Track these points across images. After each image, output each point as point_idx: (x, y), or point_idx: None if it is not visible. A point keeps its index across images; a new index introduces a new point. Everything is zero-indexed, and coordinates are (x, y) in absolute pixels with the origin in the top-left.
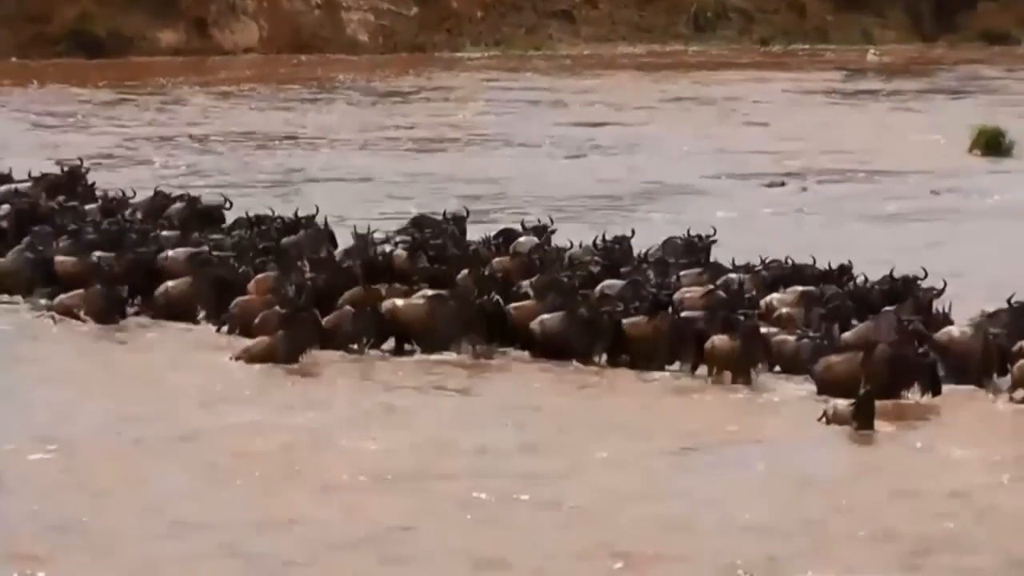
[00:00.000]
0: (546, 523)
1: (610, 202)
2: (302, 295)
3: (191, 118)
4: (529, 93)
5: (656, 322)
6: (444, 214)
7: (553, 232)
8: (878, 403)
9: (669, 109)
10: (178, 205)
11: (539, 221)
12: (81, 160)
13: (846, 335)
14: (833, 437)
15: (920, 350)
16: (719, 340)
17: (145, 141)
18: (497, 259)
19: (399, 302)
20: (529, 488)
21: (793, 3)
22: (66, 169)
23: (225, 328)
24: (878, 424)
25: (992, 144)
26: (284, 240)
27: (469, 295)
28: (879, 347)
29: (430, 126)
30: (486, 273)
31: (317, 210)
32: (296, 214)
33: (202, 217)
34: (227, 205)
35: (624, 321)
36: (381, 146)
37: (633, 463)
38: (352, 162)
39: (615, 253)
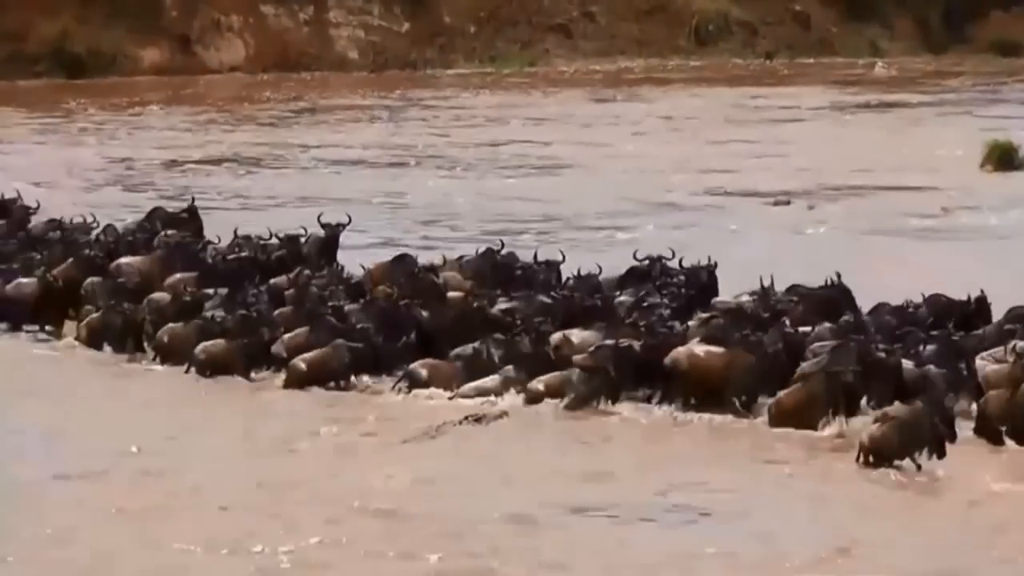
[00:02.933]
0: None
1: (609, 220)
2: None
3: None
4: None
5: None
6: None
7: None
8: None
9: (656, 126)
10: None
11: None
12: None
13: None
14: None
15: None
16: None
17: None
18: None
19: (699, 350)
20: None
21: (797, 15)
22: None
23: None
24: None
25: (1005, 159)
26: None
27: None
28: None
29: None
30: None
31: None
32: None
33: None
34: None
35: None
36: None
37: None
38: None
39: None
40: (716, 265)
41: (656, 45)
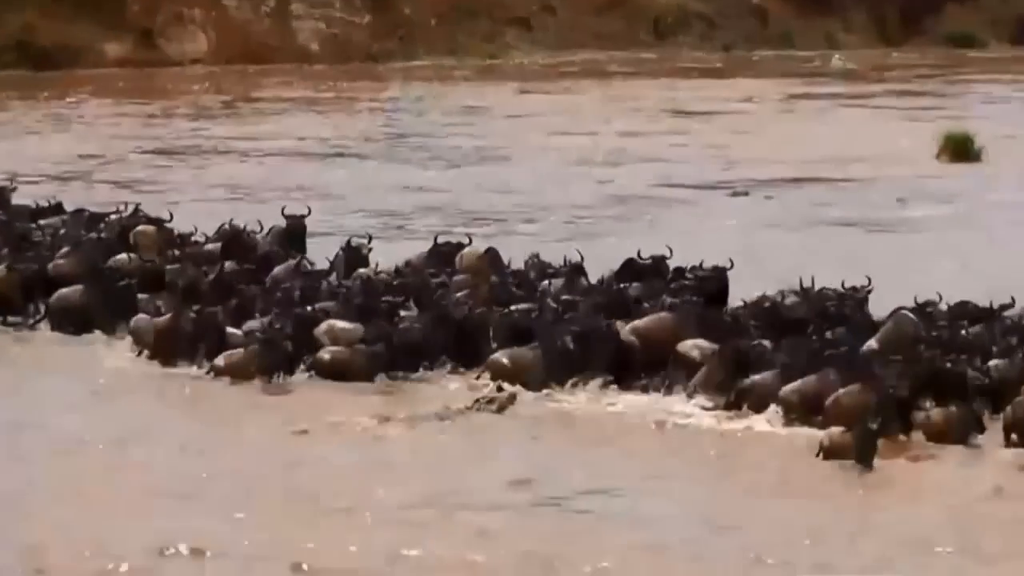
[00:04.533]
0: None
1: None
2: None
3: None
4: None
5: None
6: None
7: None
8: None
9: (596, 115)
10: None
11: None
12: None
13: None
14: None
15: None
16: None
17: None
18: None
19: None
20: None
21: (755, 8)
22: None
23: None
24: None
25: (960, 150)
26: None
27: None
28: None
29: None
30: None
31: None
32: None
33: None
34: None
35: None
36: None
37: None
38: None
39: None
40: (732, 266)
41: (615, 39)
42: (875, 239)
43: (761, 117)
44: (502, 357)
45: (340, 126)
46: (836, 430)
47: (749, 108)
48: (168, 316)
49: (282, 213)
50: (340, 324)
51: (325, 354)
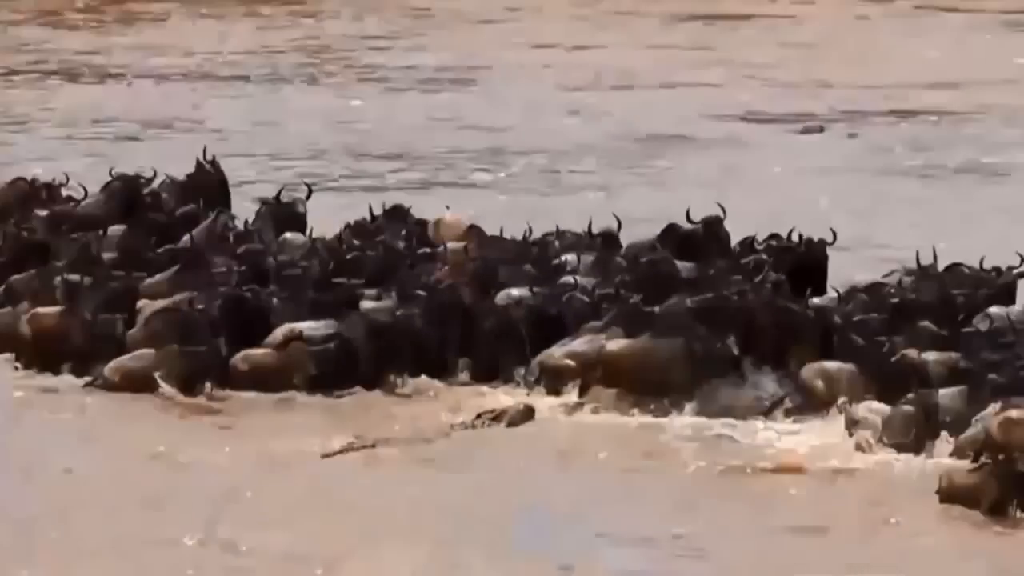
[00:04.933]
0: None
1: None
2: None
3: None
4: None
5: None
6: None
7: None
8: None
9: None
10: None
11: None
12: None
13: None
14: None
15: None
16: None
17: None
18: None
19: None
20: None
21: None
22: None
23: None
24: None
25: None
26: None
27: None
28: None
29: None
30: None
31: None
32: None
33: None
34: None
35: None
36: None
37: None
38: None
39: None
40: (834, 239)
41: None
42: (996, 190)
43: (827, 26)
44: (618, 347)
45: (244, 37)
46: (961, 466)
47: (811, 13)
48: (55, 310)
49: (204, 161)
50: (306, 325)
51: (241, 363)
